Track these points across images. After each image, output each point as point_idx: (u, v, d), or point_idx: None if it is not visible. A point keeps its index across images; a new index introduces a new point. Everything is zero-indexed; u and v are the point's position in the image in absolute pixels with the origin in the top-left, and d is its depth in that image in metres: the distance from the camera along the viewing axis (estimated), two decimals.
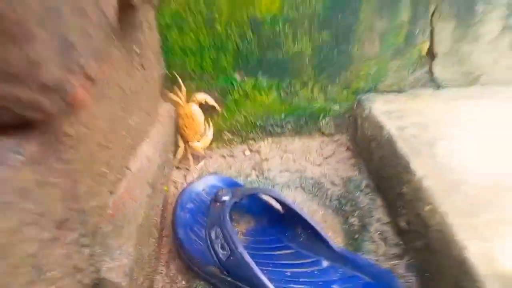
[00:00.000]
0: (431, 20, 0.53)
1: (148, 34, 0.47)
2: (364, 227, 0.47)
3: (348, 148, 0.59)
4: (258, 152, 0.60)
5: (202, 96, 0.56)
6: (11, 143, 0.20)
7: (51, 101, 0.19)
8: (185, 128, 0.57)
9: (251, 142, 0.61)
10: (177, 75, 0.54)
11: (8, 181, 0.19)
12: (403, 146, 0.46)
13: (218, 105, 0.58)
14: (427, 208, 0.38)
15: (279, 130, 0.60)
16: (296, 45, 0.54)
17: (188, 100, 0.56)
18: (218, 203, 0.45)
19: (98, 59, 0.24)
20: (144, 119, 0.46)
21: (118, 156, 0.38)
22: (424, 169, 0.42)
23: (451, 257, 0.34)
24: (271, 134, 0.61)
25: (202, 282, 0.43)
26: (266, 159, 0.59)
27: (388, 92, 0.57)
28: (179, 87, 0.55)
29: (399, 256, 0.43)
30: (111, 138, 0.36)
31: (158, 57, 0.52)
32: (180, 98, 0.56)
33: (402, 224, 0.44)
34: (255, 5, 0.51)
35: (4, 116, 0.18)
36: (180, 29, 0.52)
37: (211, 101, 0.57)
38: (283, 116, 0.59)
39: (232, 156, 0.60)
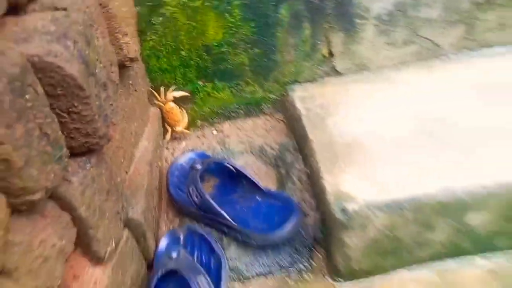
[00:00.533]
0: (326, 32, 0.77)
1: (136, 66, 0.71)
2: (288, 174, 0.75)
3: (283, 123, 0.85)
4: (222, 131, 0.86)
5: (171, 94, 0.81)
6: (84, 159, 0.46)
7: (101, 140, 0.44)
8: (168, 119, 0.83)
9: (216, 125, 0.87)
10: (157, 88, 0.80)
11: (86, 176, 0.46)
12: (306, 121, 0.72)
13: (187, 96, 0.82)
14: (312, 159, 0.65)
15: (234, 115, 0.86)
16: (237, 58, 0.78)
17: (167, 99, 0.82)
18: (194, 170, 0.73)
19: (115, 109, 0.50)
20: (140, 123, 0.72)
21: (128, 150, 0.65)
22: (314, 135, 0.68)
23: (317, 184, 0.61)
24: (229, 118, 0.87)
25: (187, 219, 0.71)
26: (228, 136, 0.85)
27: (304, 82, 0.82)
28: (160, 95, 0.81)
29: (307, 190, 0.71)
30: (123, 142, 0.62)
31: (144, 79, 0.77)
32: (161, 102, 0.81)
33: (307, 170, 0.71)
34: (206, 36, 0.75)
35: (83, 149, 0.44)
36: (157, 57, 0.76)
37: (179, 94, 0.81)
38: (236, 105, 0.85)
39: (204, 136, 0.86)
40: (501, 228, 0.57)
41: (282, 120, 0.85)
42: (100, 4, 0.51)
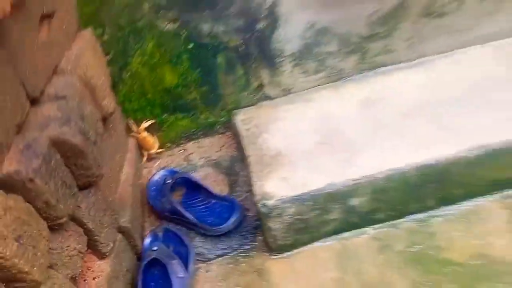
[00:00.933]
0: (255, 70, 1.02)
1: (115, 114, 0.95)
2: (236, 181, 1.00)
3: (233, 140, 1.10)
4: (186, 150, 1.11)
5: (142, 125, 1.05)
6: (87, 191, 0.71)
7: (97, 178, 0.68)
8: (143, 146, 1.07)
9: (181, 145, 1.12)
10: (133, 123, 1.04)
11: (89, 202, 0.70)
12: (245, 139, 0.97)
13: (156, 125, 1.06)
14: (249, 169, 0.91)
15: (195, 136, 1.11)
16: (190, 95, 1.03)
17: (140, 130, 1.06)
18: (165, 184, 0.97)
19: (103, 155, 0.74)
20: (122, 153, 0.96)
21: (115, 177, 0.89)
22: (250, 150, 0.93)
23: (251, 187, 0.87)
24: (191, 139, 1.11)
25: (164, 222, 0.96)
26: (191, 153, 1.10)
27: (244, 107, 1.07)
28: (134, 128, 1.04)
29: (248, 191, 0.96)
30: (111, 172, 0.86)
31: (121, 119, 1.00)
32: (136, 133, 1.05)
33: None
34: (164, 82, 0.99)
35: (86, 185, 0.69)
36: (129, 101, 1.00)
37: (148, 123, 1.05)
38: (195, 129, 1.10)
39: (172, 155, 1.11)
40: (374, 207, 0.84)
41: (232, 138, 1.11)
42: (85, 84, 0.75)
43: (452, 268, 0.78)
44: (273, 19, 0.94)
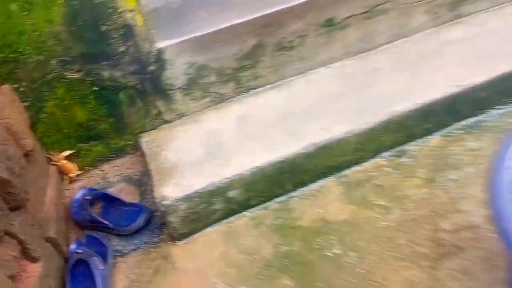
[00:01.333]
0: (152, 101, 1.28)
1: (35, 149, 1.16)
2: (145, 190, 1.25)
3: (141, 158, 1.35)
4: (103, 170, 1.34)
5: (62, 155, 1.26)
6: (18, 212, 0.92)
7: (24, 201, 0.90)
8: (65, 171, 1.28)
9: (98, 167, 1.34)
10: (52, 154, 1.25)
11: (20, 219, 0.91)
12: (148, 157, 1.22)
13: (74, 153, 1.28)
14: (152, 180, 1.16)
15: (109, 158, 1.34)
16: (101, 126, 1.26)
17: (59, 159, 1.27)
18: (85, 200, 1.20)
19: (27, 183, 0.96)
20: (44, 179, 1.17)
21: (40, 198, 1.10)
22: (152, 165, 1.19)
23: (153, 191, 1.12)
24: (107, 161, 1.34)
25: (87, 230, 1.18)
26: (107, 173, 1.33)
27: (148, 131, 1.32)
28: (53, 158, 1.25)
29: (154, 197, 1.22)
30: (35, 195, 1.07)
31: (41, 151, 1.21)
32: (56, 161, 1.26)
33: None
34: (77, 118, 1.22)
35: (17, 207, 0.90)
36: (48, 136, 1.21)
37: (67, 153, 1.27)
38: (109, 153, 1.33)
39: (92, 176, 1.33)
40: (247, 196, 1.14)
41: (139, 156, 1.35)
42: (8, 130, 0.96)
43: (301, 231, 1.10)
44: (161, 63, 1.21)
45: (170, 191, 1.09)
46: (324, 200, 1.17)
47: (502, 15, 1.52)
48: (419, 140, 1.28)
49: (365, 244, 1.03)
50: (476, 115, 1.30)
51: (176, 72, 1.25)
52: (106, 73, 1.17)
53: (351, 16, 1.36)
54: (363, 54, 1.46)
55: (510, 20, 1.49)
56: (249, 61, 1.32)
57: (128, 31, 1.12)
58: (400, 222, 1.06)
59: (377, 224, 1.07)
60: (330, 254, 1.03)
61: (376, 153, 1.26)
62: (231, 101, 1.38)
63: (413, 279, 0.93)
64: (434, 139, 1.27)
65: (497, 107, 1.32)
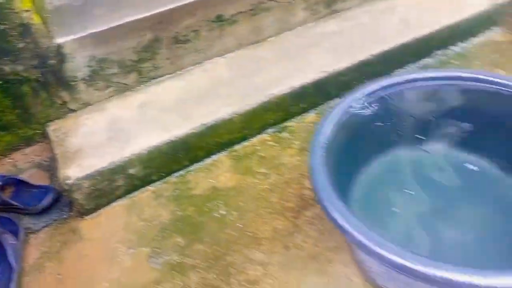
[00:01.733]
0: (56, 92, 1.39)
1: None
2: (53, 174, 1.37)
3: (49, 145, 1.46)
4: (13, 159, 1.43)
5: None
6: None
7: None
8: None
9: (8, 155, 1.43)
10: None
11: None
12: (55, 143, 1.34)
13: None
14: (57, 162, 1.29)
15: (20, 146, 1.43)
16: (7, 117, 1.35)
17: None
18: None
19: None
20: None
21: None
22: (58, 150, 1.31)
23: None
24: (17, 150, 1.43)
25: (1, 213, 1.28)
26: (17, 161, 1.42)
27: (54, 120, 1.43)
28: None
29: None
30: None
31: None
32: None
33: None
34: None
35: None
36: None
37: None
38: (18, 141, 1.42)
39: (3, 165, 1.41)
40: (148, 172, 1.31)
41: (48, 144, 1.46)
42: None
43: (194, 198, 1.29)
44: (61, 57, 1.33)
45: (73, 171, 1.22)
46: (216, 172, 1.37)
47: (373, 10, 1.81)
48: (298, 117, 1.52)
49: (245, 205, 1.24)
50: (342, 95, 1.57)
51: (77, 65, 1.37)
52: (7, 68, 1.27)
53: (239, 12, 1.56)
54: (254, 45, 1.67)
55: (377, 14, 1.78)
56: (148, 53, 1.47)
57: (25, 29, 1.22)
58: (275, 185, 1.29)
59: (257, 188, 1.29)
60: (217, 215, 1.23)
61: (261, 129, 1.48)
62: (134, 90, 1.52)
63: (278, 227, 1.17)
64: (310, 116, 1.52)
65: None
